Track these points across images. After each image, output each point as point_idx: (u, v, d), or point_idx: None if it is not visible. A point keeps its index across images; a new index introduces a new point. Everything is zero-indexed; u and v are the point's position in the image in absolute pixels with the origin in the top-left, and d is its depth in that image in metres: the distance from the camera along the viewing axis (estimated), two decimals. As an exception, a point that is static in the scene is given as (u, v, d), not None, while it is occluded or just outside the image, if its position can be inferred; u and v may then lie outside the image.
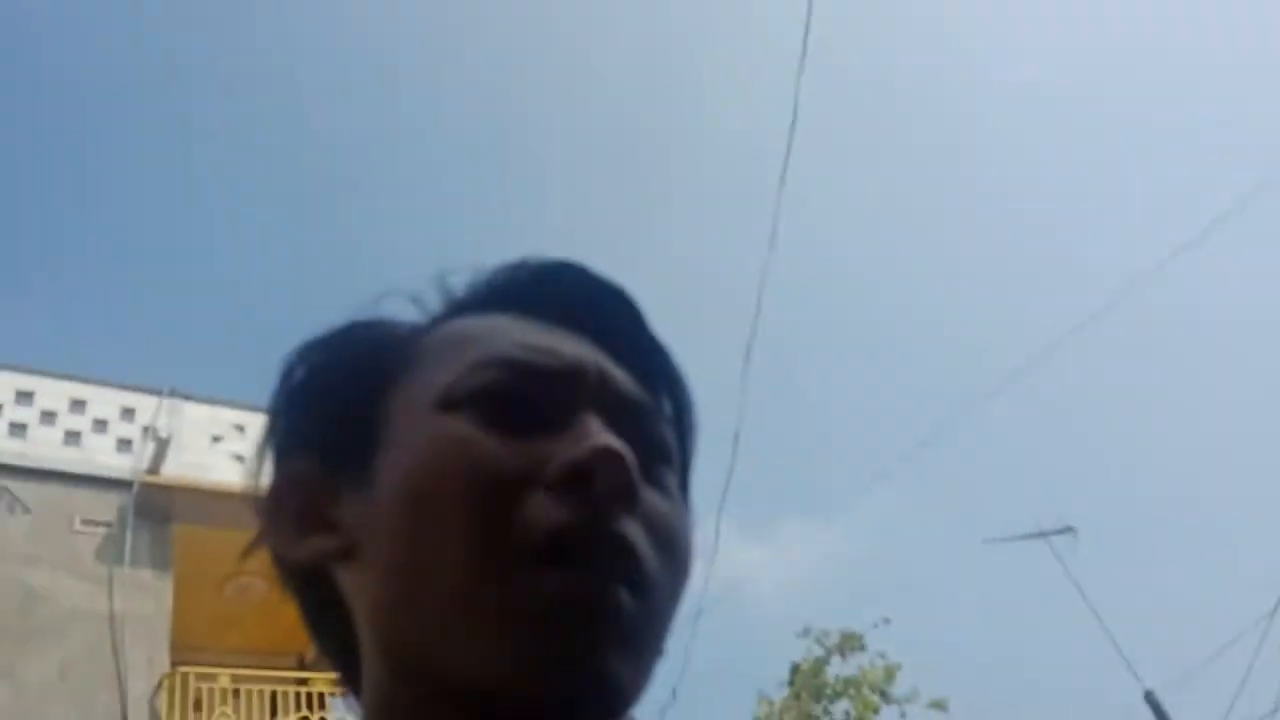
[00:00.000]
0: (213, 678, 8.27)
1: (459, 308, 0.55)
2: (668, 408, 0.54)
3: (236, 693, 8.32)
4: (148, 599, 8.35)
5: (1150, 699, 9.20)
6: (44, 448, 8.89)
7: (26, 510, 8.39)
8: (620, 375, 0.51)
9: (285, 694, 8.46)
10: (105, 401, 9.54)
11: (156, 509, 8.71)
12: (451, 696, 0.44)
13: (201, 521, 8.31)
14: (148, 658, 8.07)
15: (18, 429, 8.97)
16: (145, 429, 9.38)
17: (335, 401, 0.53)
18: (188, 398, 9.80)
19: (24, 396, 9.19)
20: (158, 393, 9.73)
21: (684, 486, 0.54)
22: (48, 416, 9.19)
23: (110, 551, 8.44)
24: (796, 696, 11.15)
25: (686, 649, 7.69)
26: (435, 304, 0.56)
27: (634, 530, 0.45)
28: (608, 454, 0.44)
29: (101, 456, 9.10)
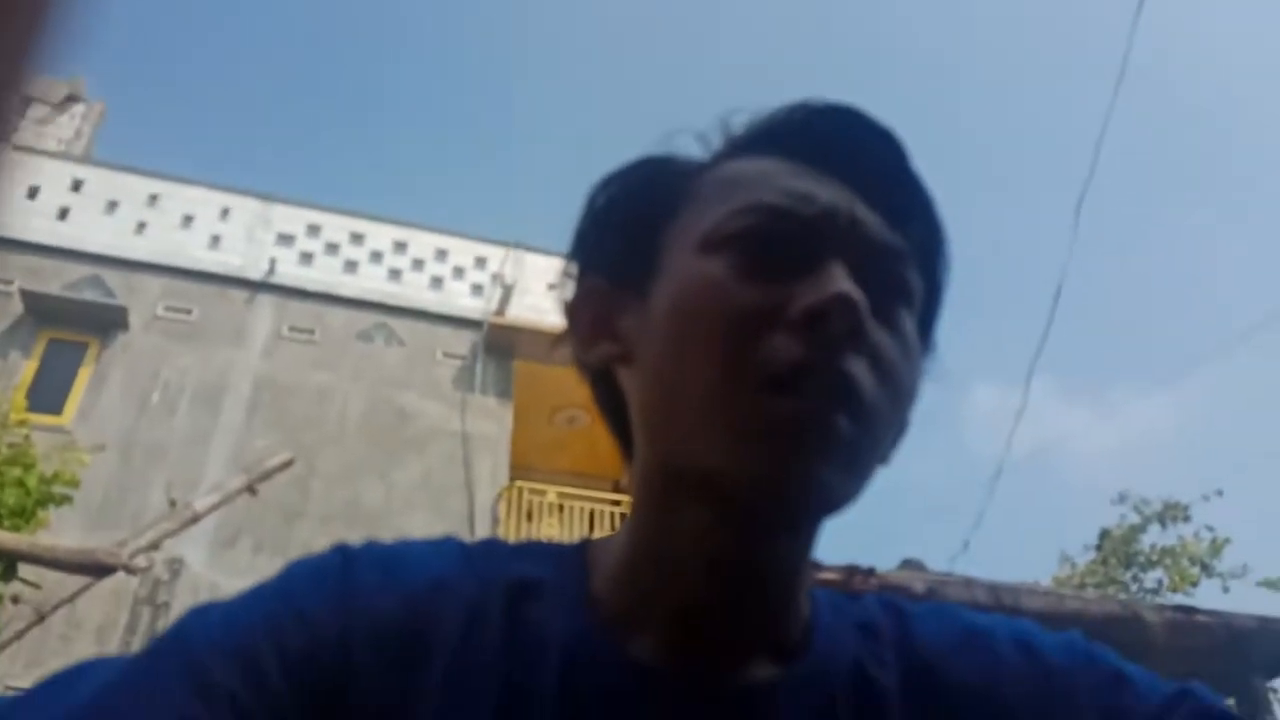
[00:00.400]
0: (542, 493, 9.28)
1: (738, 148, 0.59)
2: (917, 248, 0.56)
3: (561, 507, 9.28)
4: (492, 422, 9.66)
5: None
6: (414, 290, 10.39)
7: (401, 343, 9.95)
8: (872, 219, 0.54)
9: (601, 512, 9.28)
10: (462, 251, 10.89)
11: (502, 346, 9.96)
12: (697, 486, 0.51)
13: (538, 359, 9.42)
14: (491, 472, 9.33)
15: (394, 274, 10.49)
16: (494, 276, 10.59)
17: (625, 229, 0.59)
18: (530, 249, 10.85)
19: (399, 246, 10.71)
20: (505, 244, 10.91)
21: (928, 323, 0.59)
22: (417, 264, 10.66)
23: (464, 380, 9.83)
24: (1103, 561, 10.63)
25: (982, 506, 7.65)
26: (718, 143, 0.60)
27: (859, 366, 0.50)
28: (843, 300, 0.49)
29: (459, 299, 10.47)
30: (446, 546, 0.59)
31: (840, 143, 0.55)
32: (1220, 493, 10.64)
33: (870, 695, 0.54)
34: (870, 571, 5.03)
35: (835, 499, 0.50)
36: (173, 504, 5.81)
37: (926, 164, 0.57)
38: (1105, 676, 0.54)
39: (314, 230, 10.56)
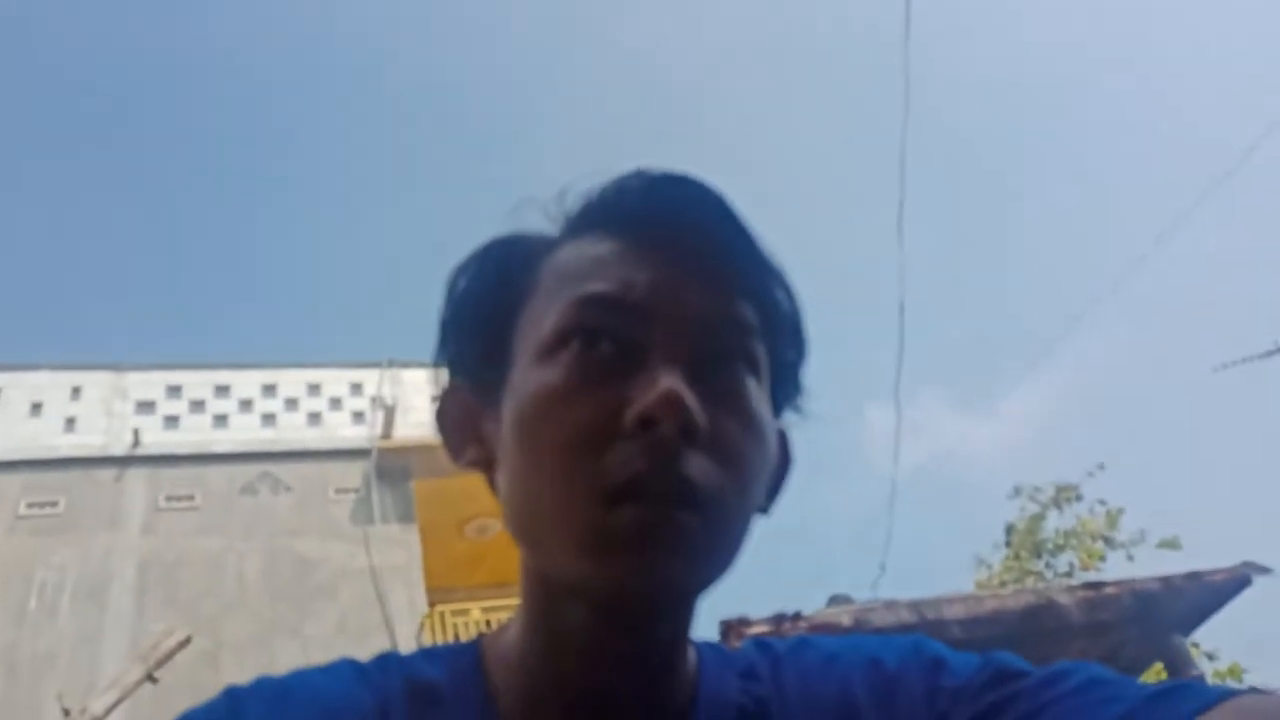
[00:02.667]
0: (465, 612, 9.11)
1: (575, 228, 0.60)
2: (753, 315, 0.57)
3: (489, 623, 8.96)
4: (400, 550, 9.36)
5: None
6: (292, 431, 10.06)
7: (289, 489, 9.60)
8: (698, 297, 0.55)
9: (529, 616, 9.15)
10: (335, 381, 10.61)
11: (395, 470, 9.69)
12: (566, 590, 0.54)
13: (436, 474, 9.14)
14: (408, 602, 9.03)
15: (268, 419, 10.15)
16: (373, 399, 10.36)
17: (477, 328, 0.61)
18: (405, 365, 10.67)
19: (268, 389, 10.38)
20: (378, 365, 10.71)
21: (784, 384, 0.61)
22: (290, 404, 10.34)
23: (362, 513, 9.51)
24: (1016, 556, 11.03)
25: (888, 527, 7.82)
26: (559, 222, 0.61)
27: (696, 463, 0.51)
28: (669, 401, 0.50)
29: (341, 430, 10.18)
30: (339, 669, 0.59)
31: (668, 215, 0.56)
32: (1102, 466, 11.24)
33: None
34: (797, 616, 5.08)
35: (694, 586, 0.54)
36: (66, 714, 5.40)
37: (768, 218, 0.57)
38: (927, 665, 0.59)
39: (174, 391, 10.16)
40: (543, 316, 0.57)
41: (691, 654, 0.61)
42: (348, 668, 0.60)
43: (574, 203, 0.61)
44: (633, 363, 0.53)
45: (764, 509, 0.61)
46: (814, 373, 0.64)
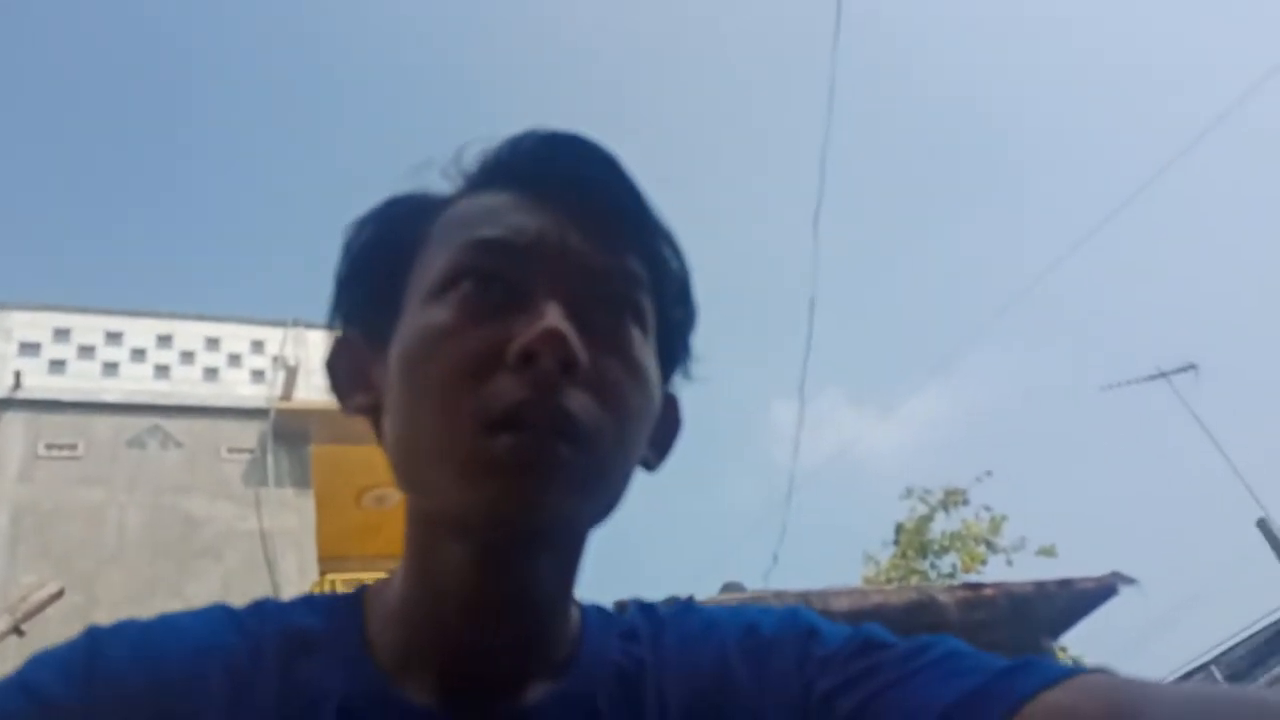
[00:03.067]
0: (358, 582, 8.98)
1: (471, 184, 0.62)
2: (639, 269, 0.59)
3: None
4: (292, 515, 9.16)
5: (1263, 526, 9.05)
6: (187, 386, 9.73)
7: (179, 445, 9.28)
8: (585, 245, 0.57)
9: (422, 588, 9.07)
10: (236, 337, 10.28)
11: (293, 432, 9.45)
12: (443, 525, 0.56)
13: (336, 440, 8.96)
14: (299, 568, 8.85)
15: (162, 370, 9.79)
16: (275, 359, 10.07)
17: (371, 280, 0.63)
18: (311, 326, 10.29)
19: (163, 340, 10.00)
20: (283, 324, 10.41)
21: (672, 343, 0.64)
22: (186, 357, 9.99)
23: (255, 475, 9.27)
24: (903, 555, 11.41)
25: (783, 519, 8.00)
26: (455, 179, 0.63)
27: (576, 397, 0.53)
28: (551, 336, 0.52)
29: (239, 389, 9.88)
30: (211, 613, 0.59)
31: (559, 171, 0.58)
32: (990, 473, 11.70)
33: (629, 695, 0.59)
34: (689, 601, 5.20)
35: (568, 520, 0.55)
36: (-73, 666, 5.14)
37: (673, 193, 0.60)
38: (802, 633, 0.62)
39: (62, 334, 9.69)
40: (433, 262, 0.59)
41: (575, 613, 0.63)
42: (220, 612, 0.59)
43: (469, 161, 0.62)
44: (518, 303, 0.55)
45: (651, 466, 0.64)
46: (705, 341, 0.67)
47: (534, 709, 0.57)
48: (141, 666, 0.54)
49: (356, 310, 0.64)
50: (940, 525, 11.58)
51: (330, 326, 0.65)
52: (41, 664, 0.54)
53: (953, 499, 11.60)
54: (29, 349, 9.44)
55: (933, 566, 11.33)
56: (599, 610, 0.65)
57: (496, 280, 0.56)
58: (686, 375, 0.67)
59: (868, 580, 11.15)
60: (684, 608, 0.66)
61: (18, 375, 9.08)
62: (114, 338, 9.86)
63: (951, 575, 10.97)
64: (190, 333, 10.19)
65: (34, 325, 9.62)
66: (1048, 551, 10.77)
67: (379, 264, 0.62)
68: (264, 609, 0.60)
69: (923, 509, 11.67)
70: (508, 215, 0.58)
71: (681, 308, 0.64)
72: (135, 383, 9.60)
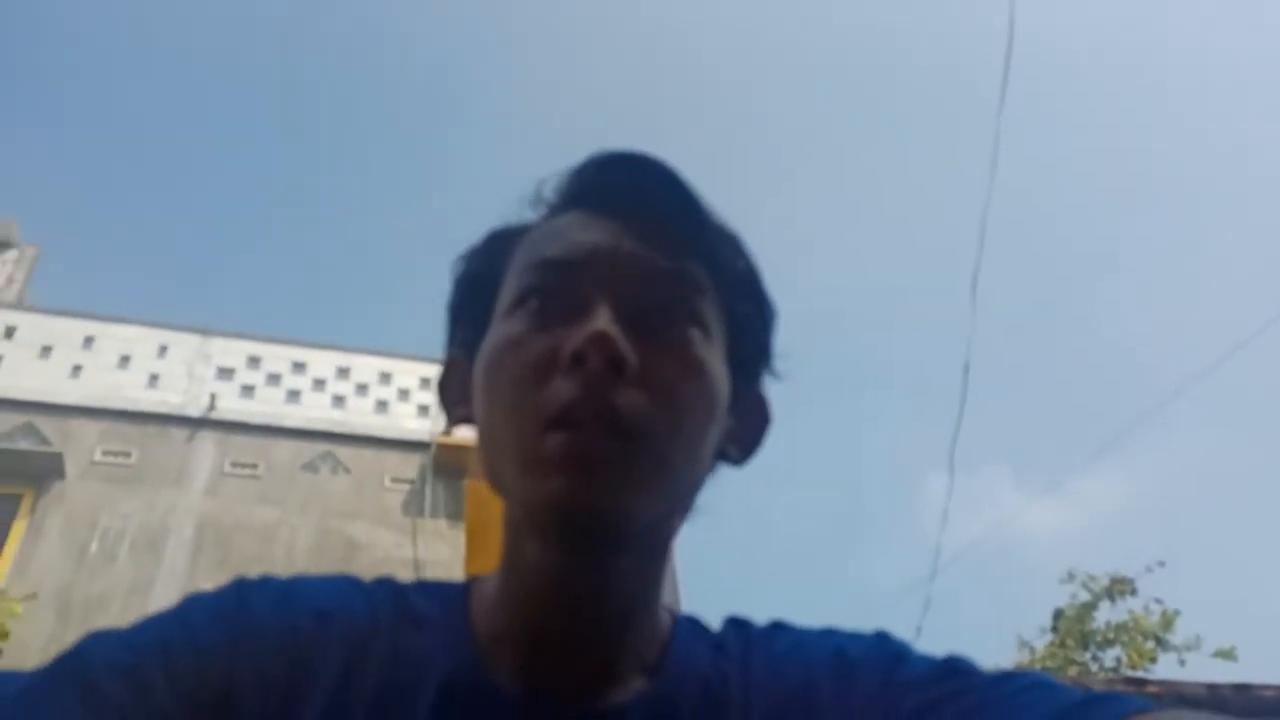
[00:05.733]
0: None
1: (550, 209, 0.66)
2: (698, 273, 0.62)
3: None
4: (445, 546, 9.51)
5: None
6: (359, 416, 10.33)
7: (347, 471, 9.84)
8: (640, 251, 0.61)
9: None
10: (406, 373, 10.87)
11: (450, 466, 9.87)
12: (524, 519, 0.59)
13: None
14: (446, 597, 9.13)
15: (338, 400, 10.43)
16: (439, 395, 10.57)
17: (470, 307, 0.68)
18: (473, 364, 10.83)
19: (342, 372, 10.68)
20: (448, 361, 10.92)
21: (747, 342, 0.65)
22: (361, 389, 10.62)
23: (414, 505, 9.71)
24: (1062, 643, 10.68)
25: (928, 593, 7.66)
26: (540, 206, 0.67)
27: (626, 395, 0.56)
28: (598, 339, 0.56)
29: (405, 422, 10.40)
30: (340, 582, 0.64)
31: (617, 187, 0.62)
32: (1162, 563, 10.84)
33: (714, 706, 0.61)
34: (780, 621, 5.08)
35: (627, 513, 0.56)
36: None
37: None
38: (889, 657, 0.62)
39: (254, 362, 10.50)
40: (510, 284, 0.64)
41: (666, 620, 0.65)
42: (348, 582, 0.64)
43: (550, 186, 0.67)
44: (576, 312, 0.59)
45: (737, 461, 0.66)
46: (787, 342, 0.69)
47: (617, 709, 0.60)
48: (279, 621, 0.59)
49: (461, 335, 0.69)
50: (1104, 615, 10.82)
51: (446, 352, 0.70)
52: (197, 603, 0.60)
53: (1119, 588, 10.80)
54: (225, 373, 10.27)
55: (1094, 659, 10.56)
56: (691, 621, 0.67)
57: (556, 293, 0.60)
58: (772, 373, 0.69)
59: (1020, 666, 10.50)
60: (775, 626, 0.67)
61: (213, 397, 9.89)
62: (299, 367, 10.59)
63: (1115, 670, 10.21)
64: (366, 366, 10.85)
65: (230, 351, 10.48)
66: (1226, 654, 9.84)
67: (475, 292, 0.67)
68: (385, 585, 0.65)
69: (1085, 595, 10.94)
70: (570, 234, 0.62)
71: (751, 306, 0.66)
72: (314, 410, 10.25)
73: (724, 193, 0.66)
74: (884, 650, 0.63)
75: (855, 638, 0.65)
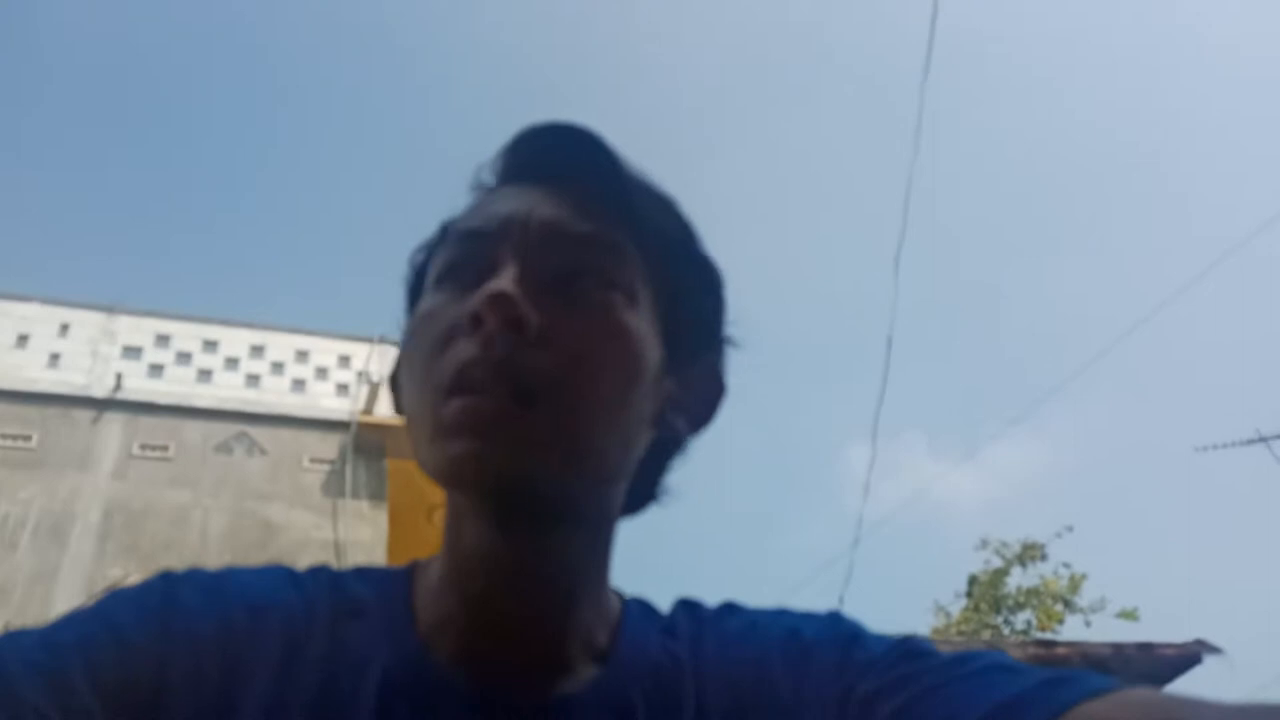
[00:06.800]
0: None
1: (484, 187, 0.66)
2: (616, 235, 0.60)
3: None
4: (366, 527, 9.37)
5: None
6: (275, 395, 10.07)
7: (264, 452, 9.59)
8: (554, 217, 0.59)
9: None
10: (324, 351, 10.62)
11: (372, 446, 9.68)
12: (442, 485, 0.58)
13: (411, 456, 9.19)
14: (368, 578, 9.03)
15: (252, 379, 10.15)
16: (360, 373, 10.37)
17: (416, 299, 0.66)
18: (395, 343, 10.62)
19: (256, 350, 10.38)
20: (369, 340, 10.71)
21: (685, 307, 0.63)
22: (277, 367, 10.34)
23: (334, 486, 9.51)
24: (975, 608, 11.05)
25: (849, 563, 7.85)
26: (479, 190, 0.66)
27: (530, 356, 0.55)
28: (493, 298, 0.55)
29: (324, 401, 10.18)
30: (273, 571, 0.61)
31: (542, 158, 0.61)
32: (1070, 529, 11.29)
33: (666, 691, 0.59)
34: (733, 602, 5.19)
35: (529, 478, 0.54)
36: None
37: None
38: (844, 638, 0.62)
39: (163, 340, 10.13)
40: (434, 264, 0.63)
41: (615, 603, 0.64)
42: (282, 572, 0.62)
43: (487, 168, 0.66)
44: (486, 280, 0.58)
45: (683, 433, 0.64)
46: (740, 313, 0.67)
47: (567, 698, 0.58)
48: (210, 615, 0.56)
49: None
50: (1016, 580, 11.21)
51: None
52: (120, 599, 0.57)
53: (1030, 554, 11.21)
54: (131, 352, 9.89)
55: (1006, 622, 10.94)
56: (641, 604, 0.66)
57: (469, 264, 0.59)
58: (715, 340, 0.67)
59: (937, 632, 10.83)
60: (727, 608, 0.66)
61: (119, 377, 9.51)
62: (210, 345, 10.26)
63: (1025, 632, 10.59)
64: (282, 344, 10.56)
65: (137, 330, 10.08)
66: (1129, 615, 10.31)
67: (422, 284, 0.66)
68: (321, 574, 0.62)
69: (998, 562, 11.32)
70: (488, 206, 0.62)
71: (686, 270, 0.64)
72: (227, 390, 9.96)
73: (647, 167, 0.64)
74: (838, 631, 0.63)
75: (809, 618, 0.64)
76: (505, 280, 0.56)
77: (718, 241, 0.66)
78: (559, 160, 0.61)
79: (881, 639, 0.62)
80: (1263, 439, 10.33)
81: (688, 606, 0.66)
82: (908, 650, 0.59)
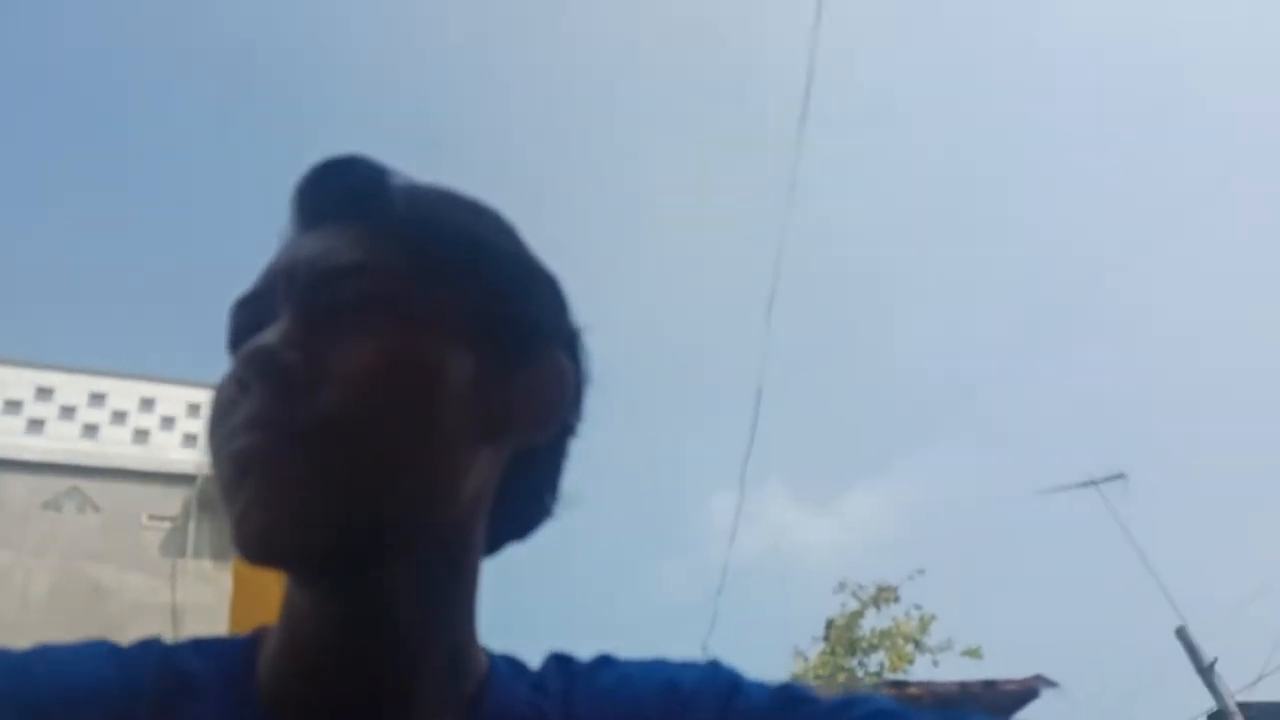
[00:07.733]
0: None
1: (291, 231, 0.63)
2: (391, 258, 0.58)
3: None
4: (209, 589, 8.85)
5: (1181, 634, 9.09)
6: (114, 447, 9.50)
7: (97, 509, 9.03)
8: (316, 257, 0.58)
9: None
10: (172, 399, 10.08)
11: (218, 501, 9.27)
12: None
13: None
14: (210, 642, 8.63)
15: (90, 430, 9.59)
16: (208, 423, 9.98)
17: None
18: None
19: (96, 398, 9.79)
20: (218, 387, 10.33)
21: (493, 317, 0.60)
22: (118, 417, 9.79)
23: (174, 545, 9.02)
24: (832, 651, 11.29)
25: (714, 610, 7.92)
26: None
27: (298, 399, 0.52)
28: (247, 358, 0.53)
29: (168, 453, 9.70)
30: (93, 648, 0.56)
31: (317, 198, 0.61)
32: (922, 571, 11.68)
33: None
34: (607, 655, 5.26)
35: (308, 521, 0.51)
36: None
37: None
38: (722, 688, 0.61)
39: (-14, 389, 9.52)
40: None
41: (482, 660, 0.60)
42: (103, 649, 0.57)
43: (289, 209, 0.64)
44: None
45: (534, 440, 0.61)
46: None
47: None
48: (15, 700, 0.51)
49: None
50: (871, 622, 11.51)
51: None
52: None
53: (884, 596, 11.53)
54: (-51, 402, 9.25)
55: (860, 664, 11.21)
56: (509, 661, 0.63)
57: (249, 331, 0.57)
58: (551, 337, 0.64)
59: (795, 677, 10.99)
60: (601, 661, 0.64)
61: (-65, 428, 8.88)
62: (44, 393, 9.65)
63: (879, 674, 10.88)
64: (125, 391, 10.00)
65: (-43, 378, 9.44)
66: (973, 653, 10.71)
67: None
68: (150, 648, 0.58)
69: (855, 604, 11.62)
70: (267, 267, 0.60)
71: (494, 275, 0.61)
72: (60, 441, 9.38)
73: (515, 212, 0.64)
74: (717, 681, 0.62)
75: (687, 668, 0.63)
76: (267, 334, 0.54)
77: (578, 287, 0.65)
78: (334, 197, 0.60)
79: (762, 687, 0.61)
80: (1093, 482, 10.98)
81: (559, 660, 0.64)
82: (789, 698, 0.59)
